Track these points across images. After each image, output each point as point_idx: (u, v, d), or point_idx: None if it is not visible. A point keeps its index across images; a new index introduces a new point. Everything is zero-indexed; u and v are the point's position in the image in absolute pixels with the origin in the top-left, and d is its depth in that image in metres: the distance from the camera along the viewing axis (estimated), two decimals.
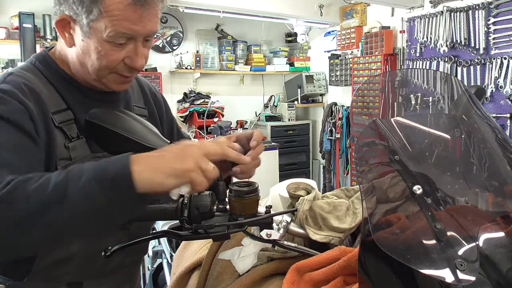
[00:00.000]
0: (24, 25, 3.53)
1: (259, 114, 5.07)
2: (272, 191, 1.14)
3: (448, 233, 0.64)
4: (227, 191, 0.86)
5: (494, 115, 3.10)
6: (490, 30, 3.14)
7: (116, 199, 0.64)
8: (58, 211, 0.62)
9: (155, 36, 4.30)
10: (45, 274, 0.89)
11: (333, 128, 4.61)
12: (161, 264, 2.06)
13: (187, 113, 4.45)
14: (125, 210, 0.67)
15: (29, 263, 0.88)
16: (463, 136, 0.85)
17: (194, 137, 4.22)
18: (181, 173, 0.67)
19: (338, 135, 4.54)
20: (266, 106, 5.19)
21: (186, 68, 4.55)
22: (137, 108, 1.04)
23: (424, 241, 0.65)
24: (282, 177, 4.51)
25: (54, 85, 0.90)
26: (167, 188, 0.68)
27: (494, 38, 3.13)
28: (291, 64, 5.17)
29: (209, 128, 4.45)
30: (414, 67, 3.67)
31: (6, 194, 0.61)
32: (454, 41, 3.35)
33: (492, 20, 3.11)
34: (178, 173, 0.67)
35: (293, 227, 0.93)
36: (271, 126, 4.80)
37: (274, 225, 0.90)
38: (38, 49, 3.44)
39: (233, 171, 0.84)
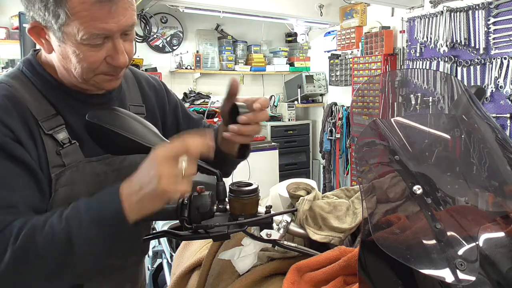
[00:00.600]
0: (24, 25, 3.52)
1: None
2: (272, 191, 1.14)
3: (448, 233, 0.64)
4: (227, 191, 0.86)
5: (494, 115, 3.10)
6: (490, 30, 3.14)
7: (115, 236, 0.73)
8: (69, 260, 0.71)
9: (154, 36, 4.35)
10: None
11: (333, 128, 4.61)
12: (161, 264, 2.06)
13: None
14: (124, 242, 0.75)
15: None
16: (463, 136, 0.85)
17: None
18: (162, 193, 0.71)
19: (338, 135, 4.54)
20: None
21: (186, 68, 4.55)
22: (133, 106, 1.02)
23: (424, 241, 0.65)
24: (282, 177, 4.50)
25: (41, 91, 0.87)
26: (157, 209, 0.73)
27: (494, 38, 3.12)
28: (291, 64, 5.17)
29: None
30: (414, 67, 3.67)
31: (19, 249, 0.69)
32: (454, 41, 3.35)
33: (492, 20, 3.11)
34: (159, 194, 0.71)
35: (293, 227, 0.93)
36: (271, 126, 4.80)
37: (274, 225, 0.90)
38: None
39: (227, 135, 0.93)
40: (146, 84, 1.09)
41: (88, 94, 0.91)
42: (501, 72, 3.08)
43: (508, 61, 3.03)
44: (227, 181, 0.87)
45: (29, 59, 0.91)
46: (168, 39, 4.55)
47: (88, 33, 0.77)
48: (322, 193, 1.02)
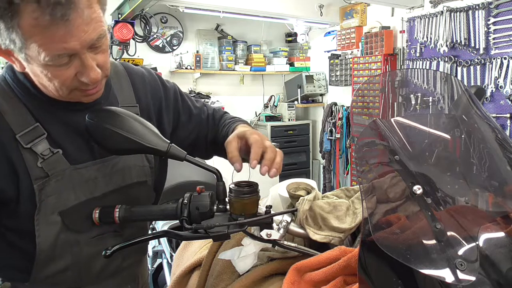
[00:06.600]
0: None
1: (259, 114, 5.07)
2: (272, 191, 1.14)
3: (448, 233, 0.64)
4: (227, 191, 0.86)
5: (494, 115, 3.10)
6: (490, 30, 3.14)
7: None
8: None
9: (154, 36, 4.35)
10: (45, 282, 0.90)
11: (333, 128, 4.61)
12: (161, 264, 2.06)
13: None
14: None
15: (26, 273, 0.88)
16: (463, 136, 0.84)
17: None
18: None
19: (338, 135, 4.54)
20: (266, 106, 5.19)
21: (186, 68, 4.55)
22: (125, 107, 0.97)
23: (424, 241, 0.65)
24: (282, 177, 4.47)
25: (21, 99, 0.84)
26: None
27: (494, 38, 3.12)
28: (291, 64, 5.17)
29: None
30: (414, 67, 3.67)
31: None
32: (454, 41, 3.35)
33: (492, 20, 3.11)
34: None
35: (293, 227, 0.93)
36: (271, 126, 4.80)
37: (274, 225, 0.90)
38: None
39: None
40: (141, 81, 1.05)
41: (68, 102, 0.87)
42: (501, 72, 3.08)
43: (508, 61, 3.03)
44: (227, 181, 0.87)
45: (12, 65, 0.87)
46: (168, 39, 4.55)
47: (50, 55, 0.73)
48: (322, 193, 1.02)
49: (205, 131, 1.15)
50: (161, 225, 1.99)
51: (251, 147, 0.88)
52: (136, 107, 1.01)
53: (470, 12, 3.23)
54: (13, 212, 0.85)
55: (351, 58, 4.35)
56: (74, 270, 0.90)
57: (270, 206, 0.88)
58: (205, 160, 1.13)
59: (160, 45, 4.53)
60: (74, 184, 0.87)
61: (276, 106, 5.11)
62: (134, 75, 1.05)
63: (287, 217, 0.91)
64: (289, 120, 4.95)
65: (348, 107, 4.48)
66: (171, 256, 1.87)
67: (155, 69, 4.31)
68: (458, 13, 3.30)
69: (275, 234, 0.88)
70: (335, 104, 4.69)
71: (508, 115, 3.07)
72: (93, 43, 0.77)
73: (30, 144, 0.82)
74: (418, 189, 0.69)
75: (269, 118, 4.91)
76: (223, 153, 0.96)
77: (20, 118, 0.83)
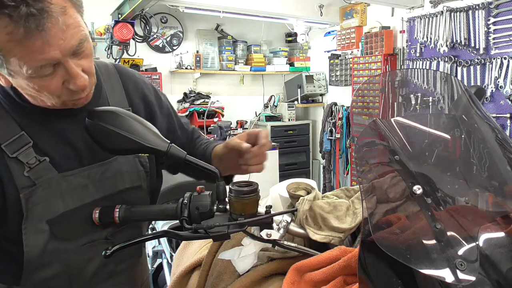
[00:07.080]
0: None
1: (259, 114, 5.07)
2: (272, 191, 1.14)
3: (448, 233, 0.64)
4: (227, 191, 0.86)
5: (494, 115, 3.10)
6: (490, 30, 3.14)
7: None
8: None
9: (154, 36, 4.35)
10: (36, 286, 0.89)
11: (333, 128, 4.61)
12: (161, 264, 2.06)
13: (187, 113, 4.46)
14: None
15: (17, 277, 0.88)
16: (463, 136, 0.84)
17: None
18: None
19: (338, 135, 4.55)
20: (266, 106, 5.19)
21: (186, 68, 4.55)
22: None
23: (424, 241, 0.65)
24: (282, 177, 4.50)
25: (5, 108, 0.83)
26: None
27: (494, 38, 3.13)
28: (291, 64, 5.18)
29: (209, 128, 4.45)
30: (414, 67, 3.67)
31: None
32: (454, 41, 3.35)
33: (492, 20, 3.11)
34: None
35: (293, 227, 0.93)
36: (271, 126, 4.80)
37: (274, 225, 0.90)
38: None
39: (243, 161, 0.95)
40: (134, 87, 1.03)
41: (56, 109, 0.86)
42: (501, 72, 3.08)
43: (508, 61, 3.03)
44: None
45: None
46: (168, 39, 4.55)
47: (32, 67, 0.71)
48: (322, 193, 1.02)
49: (185, 147, 1.15)
50: (161, 225, 1.99)
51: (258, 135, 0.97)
52: (129, 110, 0.97)
53: (470, 12, 3.23)
54: (1, 221, 0.84)
55: (351, 58, 4.35)
56: (64, 277, 0.90)
57: (270, 206, 0.88)
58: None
59: (160, 45, 4.53)
60: (62, 192, 0.85)
61: (276, 106, 5.12)
62: (125, 76, 1.03)
63: (287, 217, 0.91)
64: (289, 120, 4.95)
65: (348, 107, 4.48)
66: (171, 256, 1.87)
67: (155, 69, 4.32)
68: (458, 13, 3.30)
69: (275, 234, 0.88)
70: (335, 104, 4.69)
71: (508, 115, 3.07)
72: (74, 49, 0.75)
73: (16, 153, 0.81)
74: (418, 189, 0.69)
75: (269, 118, 4.92)
76: (191, 170, 1.01)
77: (4, 127, 0.82)
